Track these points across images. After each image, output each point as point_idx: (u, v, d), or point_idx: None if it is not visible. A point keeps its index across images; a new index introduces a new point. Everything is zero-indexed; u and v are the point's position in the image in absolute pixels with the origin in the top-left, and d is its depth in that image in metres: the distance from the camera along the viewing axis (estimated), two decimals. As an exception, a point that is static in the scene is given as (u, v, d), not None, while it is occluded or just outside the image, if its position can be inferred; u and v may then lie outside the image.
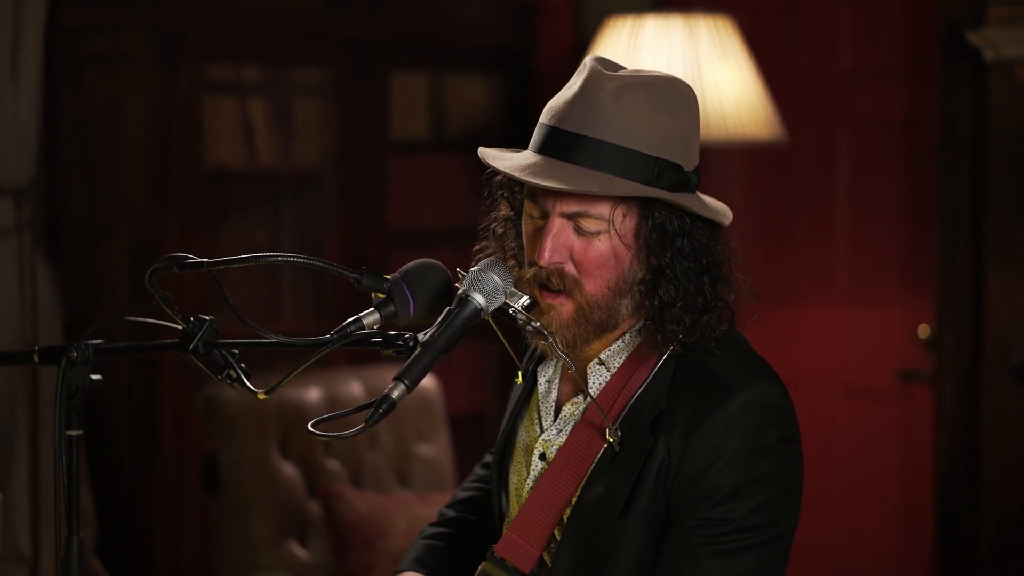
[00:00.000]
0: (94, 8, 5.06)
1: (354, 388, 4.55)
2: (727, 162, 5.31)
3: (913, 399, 5.03)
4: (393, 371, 2.12)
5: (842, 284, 5.17)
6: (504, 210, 2.39)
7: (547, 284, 2.26)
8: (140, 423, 5.09)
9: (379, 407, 2.07)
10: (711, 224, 2.29)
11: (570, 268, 2.25)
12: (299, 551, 4.31)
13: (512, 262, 2.35)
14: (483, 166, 2.34)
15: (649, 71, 2.31)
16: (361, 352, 5.15)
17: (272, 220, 5.42)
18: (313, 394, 4.44)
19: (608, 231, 2.24)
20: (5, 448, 5.08)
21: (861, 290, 5.13)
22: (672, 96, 2.27)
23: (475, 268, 2.21)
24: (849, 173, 5.16)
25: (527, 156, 2.27)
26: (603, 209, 2.23)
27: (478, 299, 2.18)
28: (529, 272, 2.28)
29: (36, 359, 2.49)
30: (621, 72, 2.28)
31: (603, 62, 2.30)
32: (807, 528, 5.19)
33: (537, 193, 2.27)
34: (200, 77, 5.06)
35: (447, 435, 4.81)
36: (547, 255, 2.24)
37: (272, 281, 5.33)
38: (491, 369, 5.76)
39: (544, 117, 2.28)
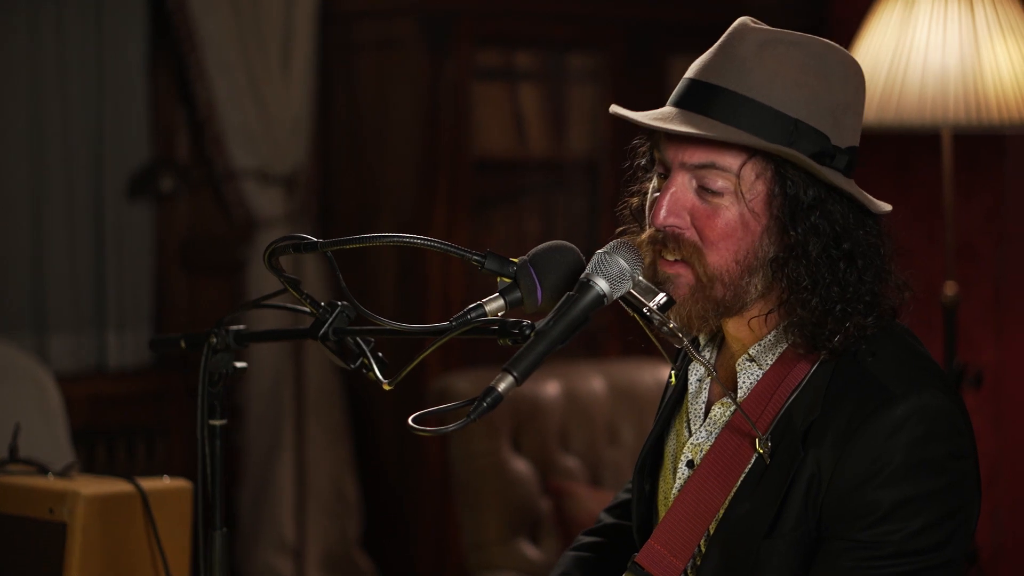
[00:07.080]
0: (366, -7, 5.05)
1: (595, 383, 4.36)
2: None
3: None
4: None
5: None
6: (645, 186, 2.17)
7: (663, 250, 2.04)
8: (405, 417, 5.02)
9: (482, 400, 1.91)
10: (859, 208, 2.02)
11: (691, 234, 2.03)
12: (530, 550, 4.16)
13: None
14: None
15: (807, 34, 2.08)
16: (602, 346, 4.98)
17: (544, 209, 5.29)
18: (551, 388, 4.26)
19: (735, 192, 2.00)
20: (272, 439, 5.09)
21: None
22: (828, 62, 2.04)
23: (600, 251, 2.01)
24: None
25: (662, 109, 2.07)
26: (732, 162, 2.00)
27: (601, 284, 1.98)
28: (645, 234, 2.06)
29: (183, 345, 2.41)
30: (773, 28, 2.06)
31: (754, 21, 2.08)
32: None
33: (665, 148, 2.05)
34: (469, 63, 4.97)
35: (693, 432, 4.59)
36: (662, 215, 2.02)
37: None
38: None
39: (688, 72, 2.08)
